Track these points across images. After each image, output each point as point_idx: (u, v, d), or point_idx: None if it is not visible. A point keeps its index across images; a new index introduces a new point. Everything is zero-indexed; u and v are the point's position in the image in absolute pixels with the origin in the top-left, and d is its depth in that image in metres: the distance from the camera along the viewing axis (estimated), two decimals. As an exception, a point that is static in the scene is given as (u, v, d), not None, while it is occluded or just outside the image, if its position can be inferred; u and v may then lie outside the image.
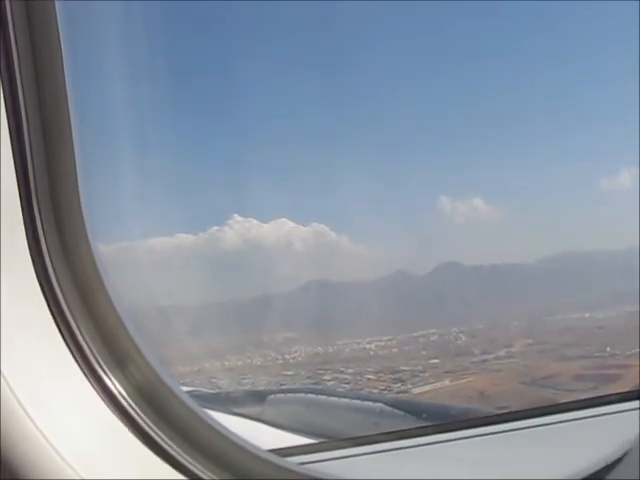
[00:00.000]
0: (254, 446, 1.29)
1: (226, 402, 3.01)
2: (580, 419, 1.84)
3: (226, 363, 11.08)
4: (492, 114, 15.42)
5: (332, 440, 1.99)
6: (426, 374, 9.06)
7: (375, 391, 8.68)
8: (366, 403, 2.45)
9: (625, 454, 1.15)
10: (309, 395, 2.75)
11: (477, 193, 14.34)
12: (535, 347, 9.46)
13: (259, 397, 2.90)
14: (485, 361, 9.27)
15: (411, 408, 2.30)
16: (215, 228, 14.01)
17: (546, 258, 12.17)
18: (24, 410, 1.07)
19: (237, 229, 14.29)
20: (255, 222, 14.27)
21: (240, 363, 11.05)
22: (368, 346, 10.92)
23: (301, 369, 10.37)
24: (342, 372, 9.68)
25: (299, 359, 10.84)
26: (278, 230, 14.66)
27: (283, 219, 14.46)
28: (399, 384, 8.79)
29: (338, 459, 1.63)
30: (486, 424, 1.86)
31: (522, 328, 10.55)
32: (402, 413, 2.27)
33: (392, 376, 9.10)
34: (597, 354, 8.30)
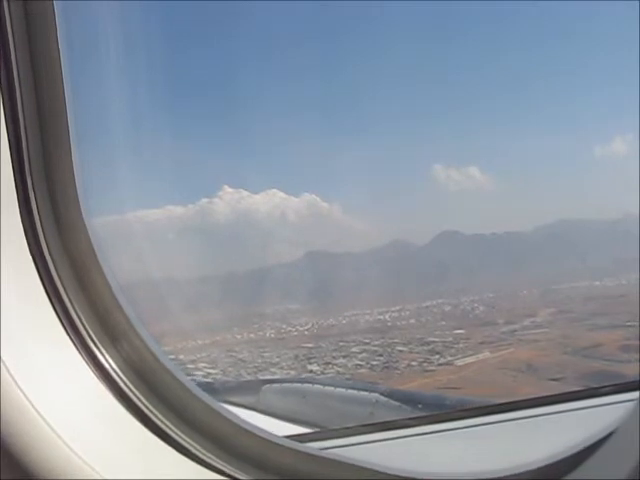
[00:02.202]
0: (248, 423, 1.31)
1: (221, 391, 2.98)
2: (577, 410, 1.84)
3: (238, 336, 10.87)
4: (488, 83, 15.51)
5: (327, 430, 2.00)
6: (460, 345, 9.05)
7: (414, 363, 8.64)
8: (362, 393, 2.43)
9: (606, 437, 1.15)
10: (304, 385, 2.72)
11: (472, 162, 14.51)
12: (561, 316, 9.57)
13: (254, 386, 2.86)
14: (514, 331, 9.28)
15: (407, 398, 2.29)
16: (205, 200, 13.71)
17: (544, 226, 12.42)
18: (17, 385, 1.08)
19: (228, 200, 14.00)
20: (245, 193, 14.01)
21: (252, 336, 10.86)
22: (381, 317, 10.86)
23: (320, 341, 10.25)
24: (368, 344, 9.59)
25: (314, 331, 10.72)
26: (269, 201, 14.46)
27: (274, 190, 14.26)
28: (437, 356, 8.76)
29: (333, 448, 1.62)
30: (481, 414, 1.87)
31: (535, 297, 10.71)
32: (398, 404, 2.26)
33: (425, 348, 9.06)
34: (629, 323, 8.43)
